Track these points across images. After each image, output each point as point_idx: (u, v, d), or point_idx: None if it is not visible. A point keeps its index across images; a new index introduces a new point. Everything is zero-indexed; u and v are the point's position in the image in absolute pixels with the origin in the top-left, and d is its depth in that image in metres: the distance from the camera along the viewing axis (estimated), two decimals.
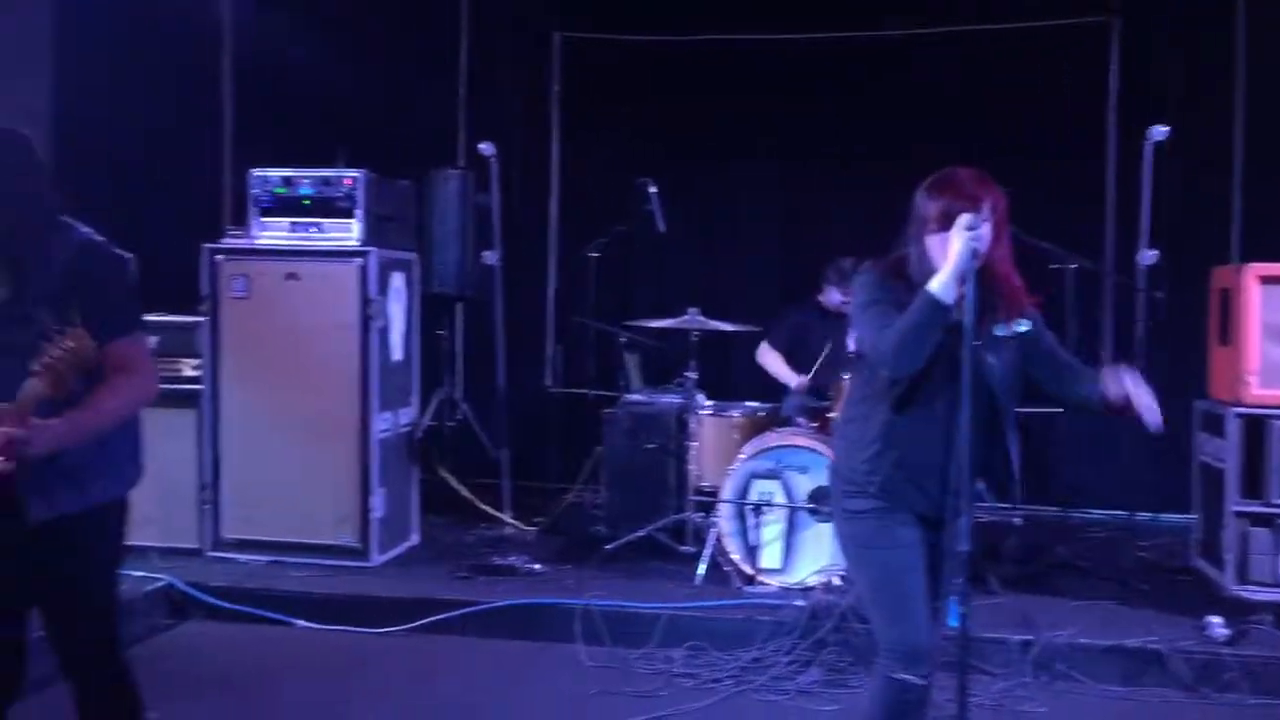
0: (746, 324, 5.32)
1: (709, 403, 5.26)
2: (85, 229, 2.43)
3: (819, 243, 5.88)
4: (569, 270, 6.35)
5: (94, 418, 2.30)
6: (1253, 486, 4.11)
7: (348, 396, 4.70)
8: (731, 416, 5.19)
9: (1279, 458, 4.04)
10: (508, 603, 4.28)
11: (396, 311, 5.00)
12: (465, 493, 5.47)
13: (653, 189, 5.41)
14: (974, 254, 2.35)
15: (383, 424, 4.82)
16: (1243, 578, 4.11)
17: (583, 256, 5.70)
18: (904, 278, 2.52)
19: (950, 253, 2.38)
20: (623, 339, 5.79)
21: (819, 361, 5.17)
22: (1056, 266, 4.85)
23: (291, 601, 4.30)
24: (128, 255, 2.45)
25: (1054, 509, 5.09)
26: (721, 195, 6.63)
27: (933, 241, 2.47)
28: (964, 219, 2.37)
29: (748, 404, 5.36)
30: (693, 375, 5.00)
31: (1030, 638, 3.86)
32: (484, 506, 5.46)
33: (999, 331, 2.50)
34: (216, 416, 4.74)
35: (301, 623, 4.28)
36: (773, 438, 4.71)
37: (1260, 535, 4.08)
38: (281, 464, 4.68)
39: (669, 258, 6.53)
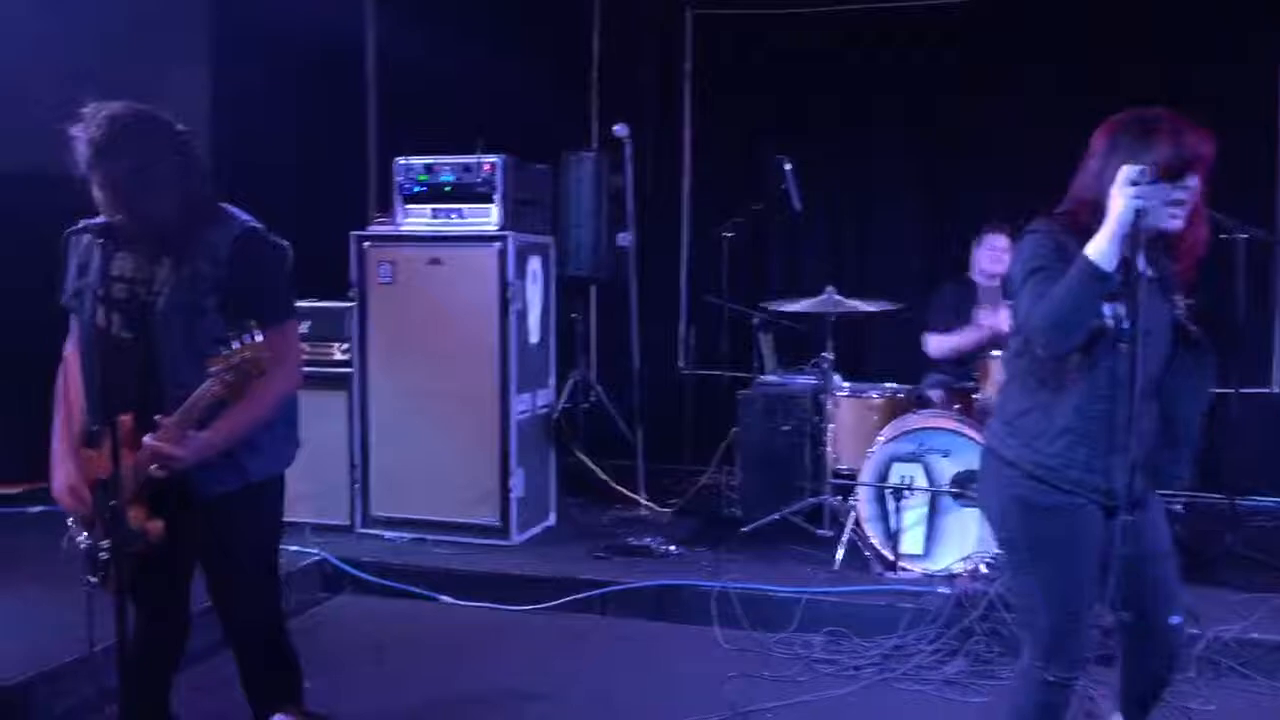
0: (884, 303, 5.18)
1: (846, 384, 5.16)
2: (245, 217, 2.50)
3: (964, 218, 5.67)
4: (702, 251, 6.33)
5: (248, 417, 2.39)
6: None
7: (488, 378, 4.80)
8: (870, 398, 5.07)
9: None
10: (645, 584, 4.30)
11: (534, 294, 5.08)
12: (600, 474, 5.52)
13: (788, 166, 5.32)
14: (1139, 214, 2.10)
15: (521, 405, 4.91)
16: None
17: (716, 236, 5.66)
18: (1084, 233, 2.21)
19: (1115, 212, 2.13)
20: (756, 319, 5.73)
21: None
22: (1226, 237, 4.53)
23: (436, 577, 4.44)
24: (286, 244, 2.53)
25: (1220, 495, 4.77)
26: (859, 171, 6.47)
27: (1121, 191, 2.14)
28: (1128, 171, 2.12)
29: (886, 385, 5.23)
30: (829, 356, 4.90)
31: (1197, 632, 3.64)
32: (619, 488, 5.50)
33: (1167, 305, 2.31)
34: (365, 398, 4.91)
35: (446, 598, 4.40)
36: (914, 420, 4.58)
37: None
38: (425, 444, 4.82)
39: (804, 236, 6.43)
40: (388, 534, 4.87)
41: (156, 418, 2.32)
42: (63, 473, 2.50)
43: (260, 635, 2.61)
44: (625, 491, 5.49)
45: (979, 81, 6.04)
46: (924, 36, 6.13)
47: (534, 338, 5.08)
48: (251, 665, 2.61)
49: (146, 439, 2.31)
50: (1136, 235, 2.13)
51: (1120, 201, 2.13)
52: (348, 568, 4.51)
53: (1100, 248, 2.15)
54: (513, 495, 4.80)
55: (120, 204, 2.33)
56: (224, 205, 2.51)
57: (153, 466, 2.33)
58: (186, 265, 2.38)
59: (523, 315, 4.94)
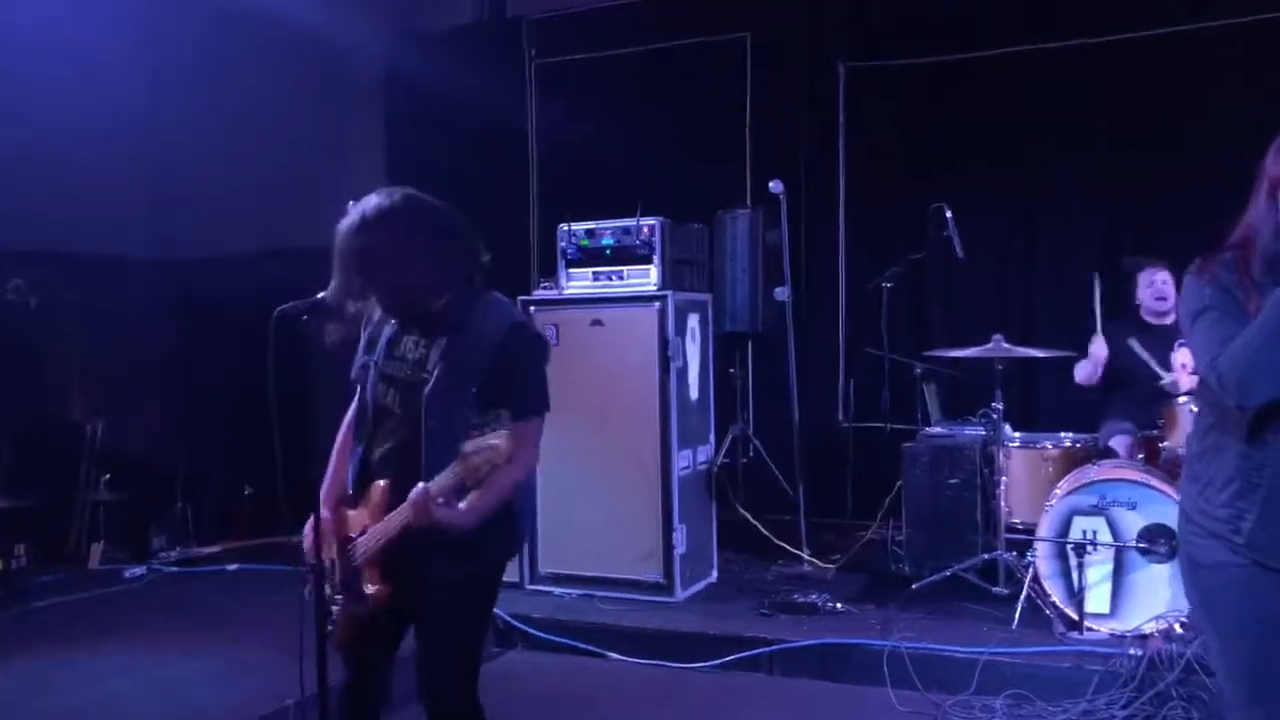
0: (1055, 350, 5.01)
1: (1017, 435, 4.99)
2: (511, 308, 2.64)
3: (1130, 256, 5.45)
4: (859, 302, 6.28)
5: (494, 499, 2.47)
6: None
7: (649, 436, 4.88)
8: (1044, 448, 4.89)
9: None
10: (813, 641, 4.24)
11: (693, 351, 5.15)
12: (762, 529, 5.49)
13: (949, 213, 5.25)
14: None
15: (683, 461, 4.96)
16: None
17: (875, 287, 5.61)
18: (1249, 269, 2.05)
19: None
20: (919, 370, 5.63)
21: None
22: None
23: (603, 634, 4.50)
24: (548, 339, 2.66)
25: None
26: (1020, 215, 6.30)
27: None
28: None
29: (1060, 435, 5.03)
30: (999, 405, 4.76)
31: None
32: (780, 543, 5.45)
33: None
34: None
35: (614, 655, 4.46)
36: (1093, 471, 4.38)
37: None
38: (591, 502, 4.93)
39: (966, 284, 6.29)
40: (556, 590, 4.98)
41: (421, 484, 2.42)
42: (314, 517, 2.61)
43: (457, 696, 2.60)
44: (787, 547, 5.44)
45: (1145, 117, 5.82)
46: (1078, 77, 5.95)
47: (694, 394, 5.14)
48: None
49: (417, 496, 2.40)
50: None
51: None
52: (519, 624, 4.62)
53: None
54: (676, 551, 4.84)
55: (383, 279, 2.49)
56: (494, 293, 2.63)
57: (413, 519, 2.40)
58: (456, 349, 2.51)
59: (683, 372, 5.01)
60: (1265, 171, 2.13)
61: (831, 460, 6.24)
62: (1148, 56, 5.78)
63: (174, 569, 5.92)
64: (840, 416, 6.44)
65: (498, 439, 2.33)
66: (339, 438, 2.79)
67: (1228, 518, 2.12)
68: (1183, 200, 5.61)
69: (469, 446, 2.34)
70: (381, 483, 2.54)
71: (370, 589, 2.54)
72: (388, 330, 2.65)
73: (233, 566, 5.96)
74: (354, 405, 2.76)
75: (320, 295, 2.57)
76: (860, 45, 6.51)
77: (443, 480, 2.39)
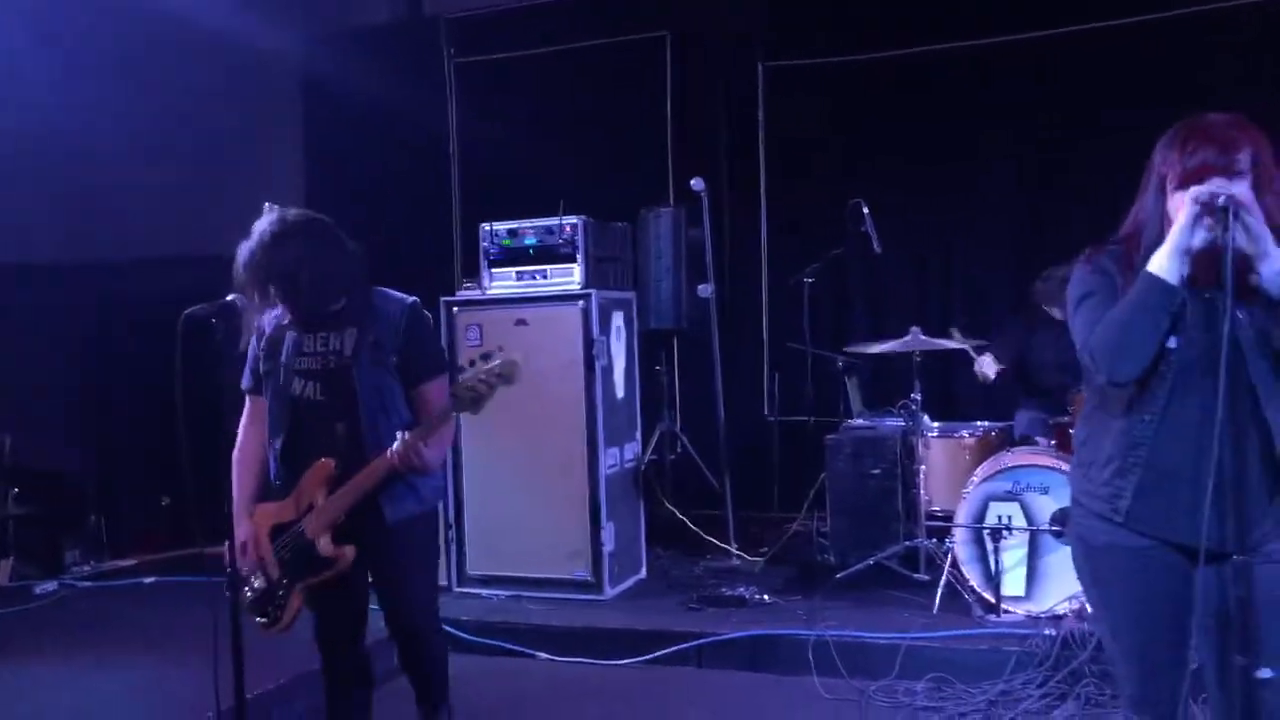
0: (971, 340, 5.14)
1: (935, 425, 5.11)
2: (401, 295, 3.03)
3: (1049, 253, 5.59)
4: (782, 298, 6.35)
5: (442, 449, 2.93)
6: None
7: (576, 435, 4.88)
8: (961, 437, 5.01)
9: None
10: (741, 634, 4.29)
11: (618, 349, 5.16)
12: (690, 524, 5.53)
13: (866, 209, 5.34)
14: (1205, 225, 1.99)
15: (610, 460, 4.97)
16: None
17: (797, 283, 5.69)
18: (1133, 260, 2.13)
19: (1175, 224, 2.03)
20: (841, 363, 5.72)
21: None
22: None
23: (532, 634, 4.50)
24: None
25: None
26: (938, 211, 6.44)
27: (1175, 204, 2.08)
28: (1196, 191, 2.00)
29: (977, 424, 5.16)
30: (918, 397, 4.86)
31: None
32: (709, 538, 5.50)
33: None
34: (458, 460, 5.03)
35: (543, 655, 4.45)
36: (1009, 458, 4.50)
37: None
38: (518, 503, 4.91)
39: (885, 279, 6.42)
40: (484, 592, 4.96)
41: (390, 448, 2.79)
42: (240, 532, 2.92)
43: (437, 646, 3.12)
44: (715, 541, 5.48)
45: (1060, 117, 5.98)
46: (991, 76, 6.11)
47: (620, 392, 5.15)
48: (428, 675, 3.09)
49: (400, 443, 2.77)
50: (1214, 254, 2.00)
51: (1185, 214, 2.03)
52: (447, 627, 4.57)
53: (1161, 263, 2.04)
54: (604, 549, 4.85)
55: (297, 289, 2.84)
56: (377, 286, 3.04)
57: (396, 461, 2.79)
58: (371, 331, 2.91)
59: (608, 371, 5.02)
60: (1153, 166, 2.19)
61: (758, 454, 6.31)
62: (1065, 54, 5.93)
63: (88, 584, 5.75)
64: (765, 411, 6.52)
65: (501, 367, 2.80)
66: (238, 447, 3.04)
67: (1108, 495, 2.17)
68: (1097, 198, 5.76)
69: (464, 386, 2.76)
70: (327, 460, 2.86)
71: (333, 551, 2.85)
72: (290, 336, 2.96)
73: (149, 579, 5.80)
74: (249, 411, 3.07)
75: (230, 298, 2.60)
76: (779, 44, 6.59)
77: (419, 430, 2.80)
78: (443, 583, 5.01)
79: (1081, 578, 2.35)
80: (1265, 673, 2.05)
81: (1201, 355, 2.08)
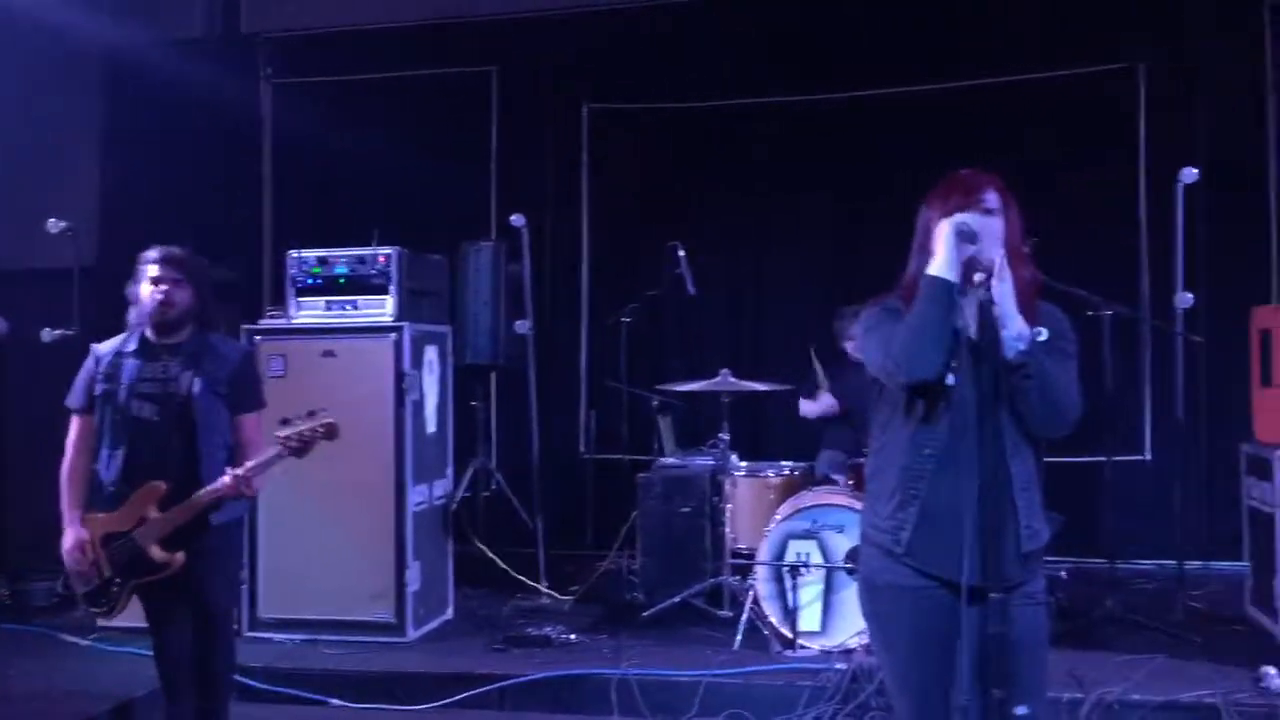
0: (782, 384, 5.31)
1: (743, 464, 5.24)
2: (236, 341, 3.71)
3: (852, 299, 5.86)
4: (602, 336, 6.40)
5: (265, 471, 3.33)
6: None
7: (383, 470, 4.74)
8: (766, 477, 5.15)
9: None
10: (543, 675, 4.23)
11: (430, 384, 5.06)
12: (500, 563, 5.46)
13: (682, 252, 5.46)
14: (965, 235, 2.20)
15: (418, 497, 4.85)
16: None
17: (614, 322, 5.74)
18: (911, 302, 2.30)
19: (938, 239, 2.23)
20: (655, 402, 5.80)
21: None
22: (1093, 314, 4.79)
23: (326, 680, 4.30)
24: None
25: (1101, 560, 4.95)
26: (754, 255, 6.67)
27: (936, 233, 2.28)
28: (954, 219, 2.23)
29: (783, 464, 5.32)
30: (725, 437, 4.98)
31: (1080, 695, 3.74)
32: (519, 576, 5.43)
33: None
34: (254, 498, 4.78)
35: (336, 701, 4.26)
36: (808, 497, 4.66)
37: None
38: (318, 541, 4.72)
39: (701, 320, 6.57)
40: (277, 636, 4.72)
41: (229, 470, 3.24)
42: (71, 535, 3.33)
43: (229, 647, 3.49)
44: (526, 580, 5.42)
45: (871, 169, 6.29)
46: (813, 128, 6.39)
47: (431, 427, 5.05)
48: (217, 675, 3.42)
49: (233, 477, 3.22)
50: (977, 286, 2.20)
51: (945, 228, 2.23)
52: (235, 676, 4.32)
53: (936, 268, 2.24)
54: (409, 590, 4.71)
55: (172, 320, 3.34)
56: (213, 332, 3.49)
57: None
58: (210, 365, 3.35)
59: (419, 405, 4.91)
60: (919, 227, 2.37)
61: (573, 492, 6.32)
62: (875, 111, 6.27)
63: None
64: (582, 448, 6.54)
65: (318, 423, 3.24)
66: (68, 462, 3.40)
67: (890, 529, 2.28)
68: (907, 247, 6.07)
69: (284, 434, 3.22)
70: (159, 484, 3.25)
71: (163, 557, 3.23)
72: (131, 362, 3.35)
73: None
74: (78, 429, 3.41)
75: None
76: (604, 87, 6.70)
77: (252, 466, 3.25)
78: (233, 626, 4.76)
79: (865, 616, 2.45)
80: (1021, 710, 2.14)
81: (960, 403, 2.22)
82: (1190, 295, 4.84)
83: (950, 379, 2.21)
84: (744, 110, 6.49)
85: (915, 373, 2.21)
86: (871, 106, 6.30)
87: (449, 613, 5.14)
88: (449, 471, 5.27)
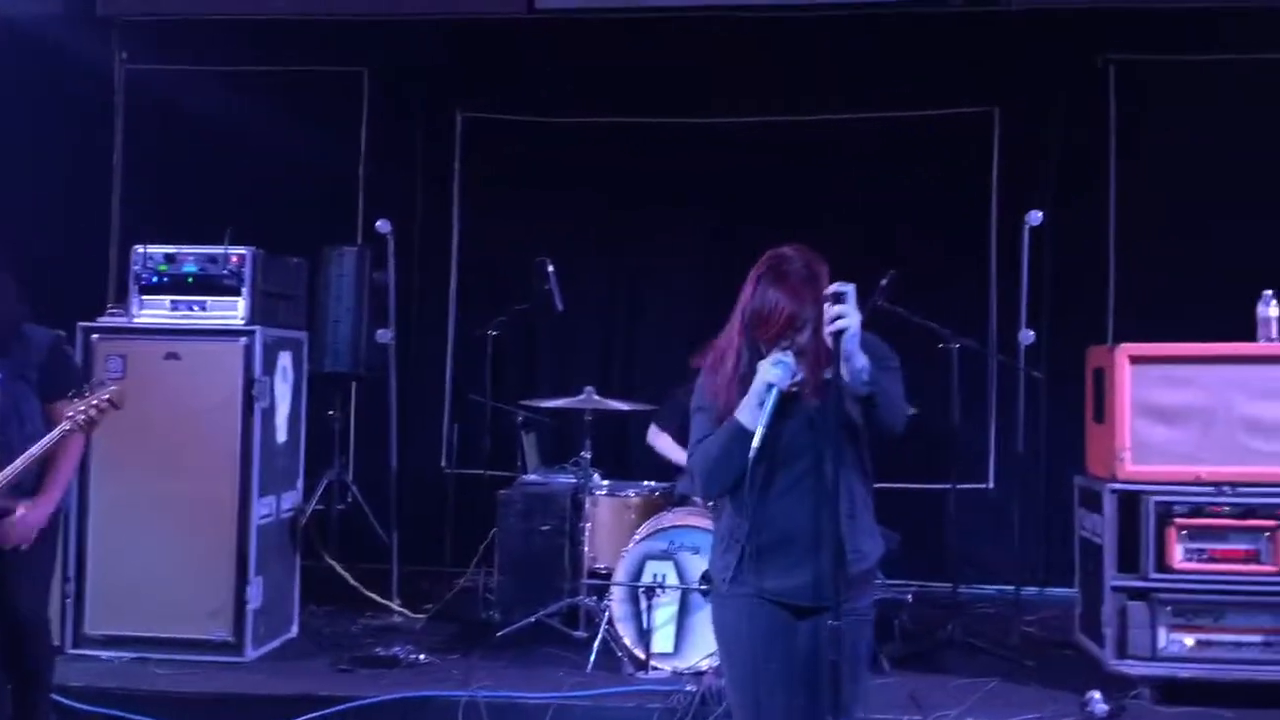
0: (646, 404, 5.32)
1: (605, 483, 5.21)
2: (47, 330, 3.57)
3: (718, 323, 5.92)
4: (468, 349, 6.30)
5: (70, 469, 3.50)
6: (1129, 561, 4.19)
7: (227, 481, 4.53)
8: (627, 497, 5.14)
9: (1152, 533, 4.13)
10: (388, 697, 4.09)
11: (283, 391, 4.87)
12: (350, 579, 5.28)
13: (550, 267, 5.41)
14: (774, 388, 2.37)
15: (264, 509, 4.65)
16: (1121, 652, 4.15)
17: (481, 335, 5.65)
18: (732, 364, 2.47)
19: (756, 381, 2.39)
20: (520, 418, 5.73)
21: None
22: (943, 346, 4.98)
23: (155, 701, 4.05)
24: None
25: (945, 584, 5.13)
26: (624, 275, 6.68)
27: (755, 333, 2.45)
28: (772, 359, 2.38)
29: (645, 484, 5.32)
30: (587, 455, 4.95)
31: (918, 718, 3.85)
32: (370, 594, 5.27)
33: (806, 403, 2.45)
34: (84, 504, 4.51)
35: None
36: (668, 518, 4.67)
37: (1137, 609, 4.13)
38: (153, 554, 4.47)
39: (571, 336, 6.53)
40: (105, 654, 4.44)
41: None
42: None
43: (44, 643, 3.51)
44: (376, 597, 5.26)
45: (745, 192, 6.36)
46: (683, 151, 6.45)
47: (282, 437, 4.86)
48: (32, 674, 3.42)
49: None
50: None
51: (761, 376, 2.39)
52: (53, 695, 4.04)
53: (744, 416, 2.41)
54: (249, 606, 4.50)
55: None
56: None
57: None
58: (16, 356, 3.39)
59: (269, 414, 4.72)
60: (744, 291, 2.50)
61: (432, 507, 6.17)
62: (749, 141, 6.38)
63: None
64: (443, 462, 6.41)
65: (108, 394, 3.25)
66: None
67: (720, 570, 2.53)
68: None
69: (74, 409, 3.22)
70: None
71: None
72: None
73: None
74: None
75: None
76: (480, 96, 6.61)
77: (43, 441, 3.28)
78: (55, 642, 4.46)
79: (715, 636, 2.65)
80: None
81: (789, 442, 2.44)
82: (1032, 333, 5.09)
83: (757, 440, 2.37)
84: (621, 128, 6.51)
85: (706, 495, 2.62)
86: (746, 133, 6.41)
87: (293, 631, 4.94)
88: (299, 483, 5.09)
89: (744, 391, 2.43)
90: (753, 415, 2.39)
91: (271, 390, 4.73)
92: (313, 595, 5.20)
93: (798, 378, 2.41)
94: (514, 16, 6.66)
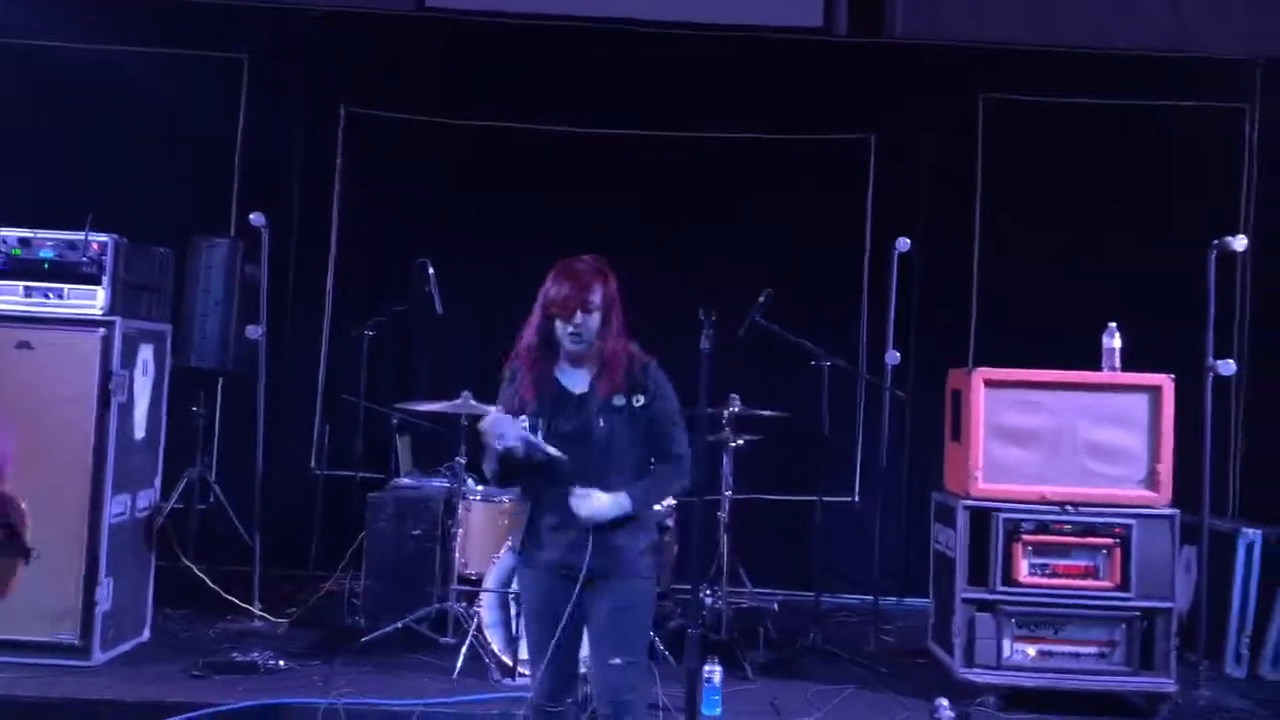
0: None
1: (479, 488, 5.18)
2: None
3: None
4: (343, 349, 6.17)
5: None
6: (979, 574, 4.40)
7: (78, 477, 4.33)
8: (501, 502, 5.11)
9: (1000, 548, 4.36)
10: (247, 704, 3.98)
11: (143, 386, 4.68)
12: (209, 582, 5.10)
13: (431, 270, 5.35)
14: (508, 450, 2.82)
15: (117, 507, 4.47)
16: (970, 661, 4.36)
17: (357, 334, 5.54)
18: (530, 360, 2.96)
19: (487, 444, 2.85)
20: (394, 420, 5.65)
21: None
22: (815, 364, 5.14)
23: None
24: None
25: (807, 594, 5.29)
26: (505, 279, 6.63)
27: (546, 324, 2.92)
28: (489, 420, 2.83)
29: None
30: (462, 460, 4.92)
31: None
32: (229, 597, 5.10)
33: (615, 401, 2.92)
34: None
35: None
36: None
37: (984, 620, 4.35)
38: None
39: (448, 341, 6.47)
40: None
41: None
42: None
43: None
44: (236, 601, 5.09)
45: (614, 205, 6.44)
46: (566, 160, 6.48)
47: (139, 433, 4.67)
48: None
49: None
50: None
51: (487, 442, 2.84)
52: None
53: (489, 460, 2.93)
54: (98, 609, 4.31)
55: None
56: None
57: None
58: None
59: (127, 408, 4.53)
60: (541, 293, 2.94)
61: (299, 508, 6.02)
62: (632, 152, 6.44)
63: None
64: (313, 463, 6.26)
65: None
66: None
67: (532, 544, 2.99)
68: (656, 282, 6.25)
69: None
70: None
71: None
72: None
73: None
74: None
75: None
76: (366, 91, 6.50)
77: None
78: None
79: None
80: (616, 661, 2.90)
81: (573, 434, 2.89)
82: (898, 353, 5.30)
83: (541, 431, 2.86)
84: (506, 133, 6.49)
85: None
86: (629, 145, 6.48)
87: (145, 635, 4.75)
88: (157, 481, 4.89)
89: (543, 357, 2.95)
90: (495, 458, 2.88)
91: (130, 384, 4.54)
92: (169, 598, 5.01)
93: (532, 445, 2.83)
94: (404, 13, 6.61)
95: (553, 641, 2.89)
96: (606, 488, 2.88)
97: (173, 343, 5.02)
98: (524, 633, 3.11)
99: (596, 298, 2.88)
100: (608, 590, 2.91)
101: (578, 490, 2.85)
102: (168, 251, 5.01)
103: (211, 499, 5.66)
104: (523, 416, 2.84)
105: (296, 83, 6.49)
